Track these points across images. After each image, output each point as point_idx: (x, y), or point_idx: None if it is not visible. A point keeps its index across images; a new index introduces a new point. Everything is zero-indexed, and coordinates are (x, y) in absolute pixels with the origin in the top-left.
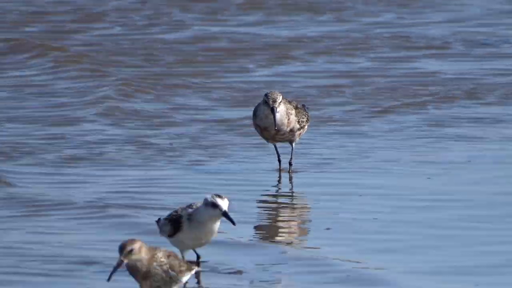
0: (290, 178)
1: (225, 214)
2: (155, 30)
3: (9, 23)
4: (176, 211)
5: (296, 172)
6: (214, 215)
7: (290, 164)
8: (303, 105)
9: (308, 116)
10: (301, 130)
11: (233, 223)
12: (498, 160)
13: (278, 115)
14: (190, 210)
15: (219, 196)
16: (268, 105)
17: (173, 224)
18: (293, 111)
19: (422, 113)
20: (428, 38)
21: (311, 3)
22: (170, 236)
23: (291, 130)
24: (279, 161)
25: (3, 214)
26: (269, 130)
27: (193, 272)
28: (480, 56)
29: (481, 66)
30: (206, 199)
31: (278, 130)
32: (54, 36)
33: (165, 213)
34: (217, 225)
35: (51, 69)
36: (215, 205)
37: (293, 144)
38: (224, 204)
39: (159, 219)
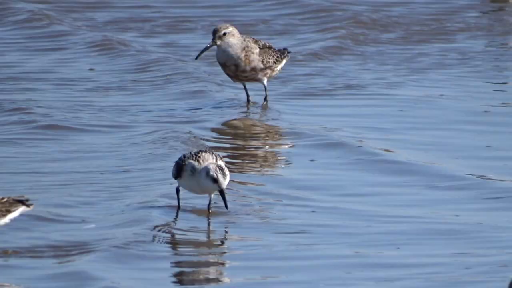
0: (264, 108)
1: (221, 193)
2: None
3: None
4: (184, 157)
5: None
6: (212, 187)
7: (265, 100)
8: (281, 49)
9: (278, 57)
10: (268, 71)
11: (226, 206)
12: None
13: (229, 49)
14: (196, 164)
15: (222, 172)
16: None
17: (178, 169)
18: (257, 50)
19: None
20: None
21: None
22: (174, 178)
23: (253, 69)
24: (248, 101)
25: None
26: (228, 65)
27: (15, 213)
28: None
29: None
30: (209, 170)
31: (237, 65)
32: None
33: None
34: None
35: None
36: (215, 180)
37: (265, 83)
38: (224, 182)
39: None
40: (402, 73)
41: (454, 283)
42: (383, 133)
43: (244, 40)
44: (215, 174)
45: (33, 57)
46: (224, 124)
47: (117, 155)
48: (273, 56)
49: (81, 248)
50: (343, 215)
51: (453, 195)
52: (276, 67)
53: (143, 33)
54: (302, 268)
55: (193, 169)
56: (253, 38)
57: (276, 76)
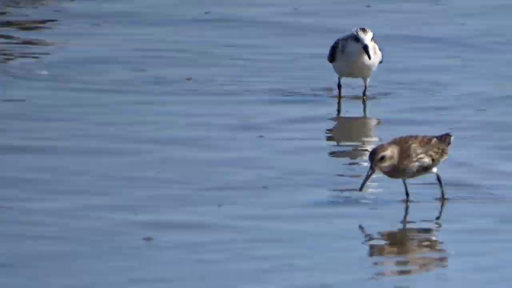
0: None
1: (365, 48)
2: None
3: None
4: (338, 39)
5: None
6: (357, 48)
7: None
8: None
9: None
10: None
11: (369, 57)
12: None
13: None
14: (345, 41)
15: (363, 30)
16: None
17: (331, 51)
18: None
19: None
20: None
21: None
22: (330, 62)
23: None
24: None
25: None
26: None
27: None
28: None
29: None
30: (352, 33)
31: None
32: None
33: None
34: (367, 60)
35: None
36: (357, 39)
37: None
38: (366, 37)
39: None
40: None
41: None
42: None
43: None
44: (356, 32)
45: None
46: None
47: None
48: None
49: None
50: None
51: None
52: None
53: None
54: None
55: (343, 46)
56: None
57: None
